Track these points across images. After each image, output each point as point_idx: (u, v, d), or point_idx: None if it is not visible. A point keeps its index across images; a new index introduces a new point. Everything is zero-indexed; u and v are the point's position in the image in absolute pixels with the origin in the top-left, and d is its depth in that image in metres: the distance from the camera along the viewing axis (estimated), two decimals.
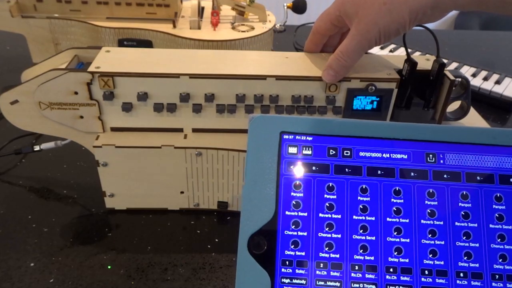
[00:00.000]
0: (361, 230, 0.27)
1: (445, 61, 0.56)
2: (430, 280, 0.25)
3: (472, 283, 0.24)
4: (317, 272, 0.26)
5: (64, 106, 0.53)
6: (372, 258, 0.26)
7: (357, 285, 0.25)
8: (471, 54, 1.01)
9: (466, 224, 0.26)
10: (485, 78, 0.85)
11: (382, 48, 1.00)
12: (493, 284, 0.24)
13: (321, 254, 0.26)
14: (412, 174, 0.27)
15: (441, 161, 0.28)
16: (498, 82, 0.84)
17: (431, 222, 0.26)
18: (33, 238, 0.55)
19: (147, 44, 0.87)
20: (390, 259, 0.26)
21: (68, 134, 0.57)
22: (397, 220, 0.27)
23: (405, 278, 0.25)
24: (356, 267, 0.26)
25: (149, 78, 0.51)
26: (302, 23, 1.17)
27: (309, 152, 0.29)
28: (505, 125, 0.76)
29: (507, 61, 1.01)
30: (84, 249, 0.53)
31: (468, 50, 1.05)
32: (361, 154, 0.28)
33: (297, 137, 0.29)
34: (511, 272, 0.24)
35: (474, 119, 0.57)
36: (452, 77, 0.51)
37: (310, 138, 0.29)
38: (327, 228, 0.27)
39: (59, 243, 0.54)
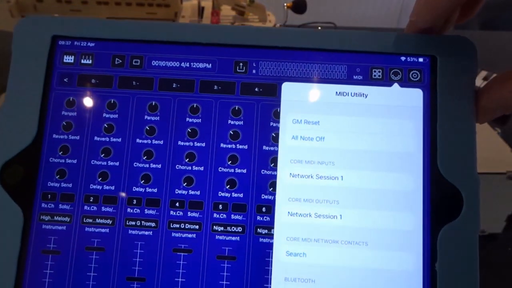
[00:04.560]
0: (145, 157, 0.22)
1: None
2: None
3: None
4: (86, 207, 0.22)
5: None
6: (155, 190, 0.22)
7: (133, 222, 0.22)
8: None
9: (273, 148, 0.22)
10: (485, 78, 0.84)
11: None
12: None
13: (92, 186, 0.22)
14: (216, 87, 0.23)
15: (254, 71, 0.23)
16: None
17: (233, 146, 0.22)
18: None
19: None
20: (177, 191, 0.22)
21: None
22: (191, 144, 0.22)
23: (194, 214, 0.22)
24: (134, 201, 0.22)
25: None
26: (302, 23, 1.16)
27: (89, 62, 0.23)
28: (505, 126, 0.76)
29: (507, 61, 1.01)
30: None
31: None
32: (154, 63, 0.23)
33: (75, 43, 0.23)
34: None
35: None
36: None
37: (92, 44, 0.23)
38: (103, 155, 0.22)
39: None
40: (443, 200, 0.21)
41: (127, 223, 0.22)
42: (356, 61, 0.23)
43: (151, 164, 0.22)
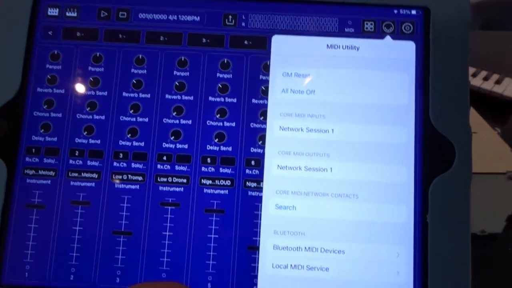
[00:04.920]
0: (132, 110, 0.22)
1: None
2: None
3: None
4: (71, 161, 0.21)
5: None
6: (142, 144, 0.22)
7: (120, 176, 0.21)
8: (471, 54, 1.01)
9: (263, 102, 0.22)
10: (485, 78, 0.84)
11: None
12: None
13: (78, 140, 0.22)
14: (204, 40, 0.22)
15: (243, 24, 0.22)
16: (498, 82, 0.83)
17: (222, 99, 0.22)
18: None
19: None
20: (164, 144, 0.22)
21: None
22: (179, 97, 0.22)
23: (182, 169, 0.22)
24: (121, 155, 0.22)
25: None
26: None
27: (74, 15, 0.22)
28: (505, 125, 0.76)
29: (507, 61, 1.01)
30: None
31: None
32: (141, 16, 0.22)
33: None
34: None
35: (473, 119, 0.57)
36: None
37: None
38: (88, 108, 0.22)
39: None
40: (435, 152, 0.21)
41: (113, 177, 0.21)
42: (347, 13, 0.22)
43: (138, 118, 0.22)
